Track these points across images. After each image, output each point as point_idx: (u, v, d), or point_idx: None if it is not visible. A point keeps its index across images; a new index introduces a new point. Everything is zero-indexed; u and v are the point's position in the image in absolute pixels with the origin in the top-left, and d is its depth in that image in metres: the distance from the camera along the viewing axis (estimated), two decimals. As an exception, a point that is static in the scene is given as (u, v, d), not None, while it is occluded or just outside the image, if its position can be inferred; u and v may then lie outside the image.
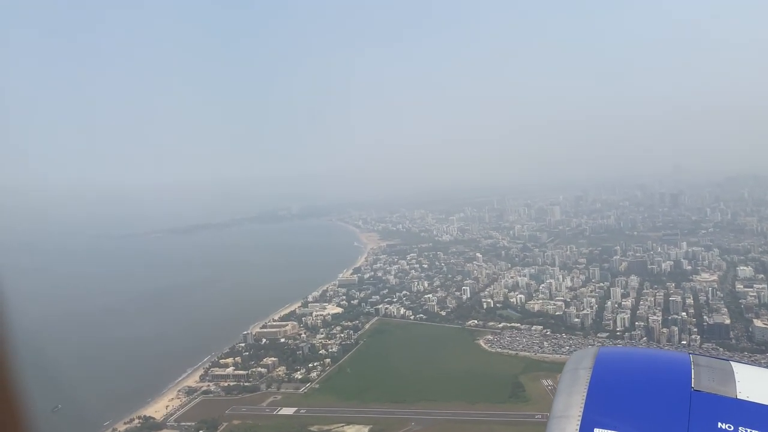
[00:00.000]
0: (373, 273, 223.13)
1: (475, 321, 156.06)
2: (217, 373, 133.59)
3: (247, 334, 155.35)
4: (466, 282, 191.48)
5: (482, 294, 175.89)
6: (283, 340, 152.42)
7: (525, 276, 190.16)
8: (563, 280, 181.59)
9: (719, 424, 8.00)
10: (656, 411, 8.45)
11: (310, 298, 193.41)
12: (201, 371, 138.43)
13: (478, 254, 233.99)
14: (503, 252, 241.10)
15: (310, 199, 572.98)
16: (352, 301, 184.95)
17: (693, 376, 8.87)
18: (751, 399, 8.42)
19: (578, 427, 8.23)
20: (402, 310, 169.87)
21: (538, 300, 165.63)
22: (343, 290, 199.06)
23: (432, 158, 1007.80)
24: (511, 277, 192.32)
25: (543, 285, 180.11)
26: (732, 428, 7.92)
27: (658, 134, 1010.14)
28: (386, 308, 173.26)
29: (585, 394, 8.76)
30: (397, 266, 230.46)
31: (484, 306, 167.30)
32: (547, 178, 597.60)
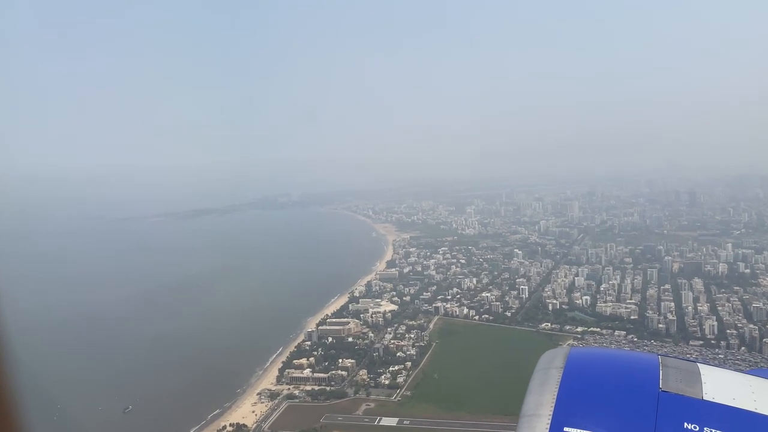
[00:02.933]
0: (411, 267, 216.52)
1: (548, 324, 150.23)
2: (294, 375, 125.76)
3: (312, 332, 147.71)
4: (518, 281, 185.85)
5: (544, 294, 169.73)
6: (350, 339, 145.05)
7: (580, 276, 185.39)
8: (623, 281, 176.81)
9: (685, 424, 8.24)
10: (625, 411, 8.74)
11: (356, 293, 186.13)
12: (273, 372, 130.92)
13: (517, 250, 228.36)
14: (539, 248, 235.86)
15: (306, 186, 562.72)
16: (404, 298, 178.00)
17: (661, 377, 9.20)
18: (716, 400, 8.69)
19: (548, 426, 8.37)
20: (464, 310, 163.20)
21: (607, 302, 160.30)
22: (389, 285, 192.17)
23: (423, 151, 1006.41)
24: (564, 277, 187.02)
25: (603, 286, 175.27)
26: (697, 429, 8.15)
27: (649, 132, 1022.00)
28: (445, 307, 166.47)
29: (556, 393, 8.98)
30: (433, 260, 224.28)
31: (550, 307, 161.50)
32: (545, 173, 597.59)
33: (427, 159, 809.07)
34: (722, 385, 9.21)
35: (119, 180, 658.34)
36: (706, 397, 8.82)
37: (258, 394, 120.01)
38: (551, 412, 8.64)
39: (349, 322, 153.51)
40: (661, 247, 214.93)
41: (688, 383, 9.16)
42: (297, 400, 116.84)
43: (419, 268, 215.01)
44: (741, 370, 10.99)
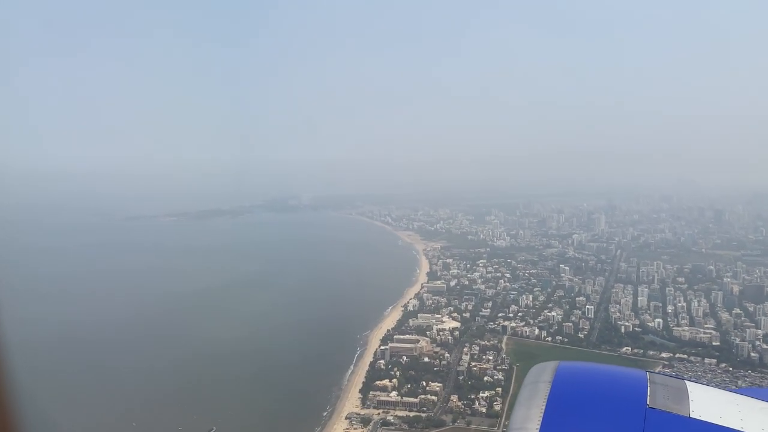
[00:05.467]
0: (457, 280, 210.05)
1: (628, 348, 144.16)
2: (381, 398, 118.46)
3: (385, 349, 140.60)
4: (578, 300, 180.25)
5: (614, 316, 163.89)
6: (426, 359, 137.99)
7: (641, 296, 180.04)
8: (690, 304, 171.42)
9: None
10: (611, 427, 8.77)
11: (409, 306, 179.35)
12: (353, 392, 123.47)
13: (563, 266, 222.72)
14: (582, 264, 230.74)
15: (313, 189, 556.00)
16: (463, 314, 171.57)
17: (648, 394, 9.20)
18: (703, 418, 8.67)
19: None
20: (535, 330, 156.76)
21: (681, 326, 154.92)
22: (442, 299, 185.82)
23: (426, 156, 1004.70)
24: (624, 296, 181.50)
25: (669, 308, 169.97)
26: None
27: (654, 145, 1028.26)
28: (512, 326, 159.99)
29: (543, 407, 8.95)
30: (477, 273, 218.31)
31: (622, 330, 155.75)
32: (551, 182, 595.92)
33: (431, 164, 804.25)
34: (709, 404, 9.13)
35: (123, 177, 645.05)
36: (693, 415, 8.70)
37: (347, 418, 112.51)
38: (538, 426, 8.49)
39: (419, 340, 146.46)
40: (712, 268, 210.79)
41: (676, 400, 9.09)
42: (392, 428, 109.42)
43: (465, 282, 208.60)
44: (728, 389, 10.69)
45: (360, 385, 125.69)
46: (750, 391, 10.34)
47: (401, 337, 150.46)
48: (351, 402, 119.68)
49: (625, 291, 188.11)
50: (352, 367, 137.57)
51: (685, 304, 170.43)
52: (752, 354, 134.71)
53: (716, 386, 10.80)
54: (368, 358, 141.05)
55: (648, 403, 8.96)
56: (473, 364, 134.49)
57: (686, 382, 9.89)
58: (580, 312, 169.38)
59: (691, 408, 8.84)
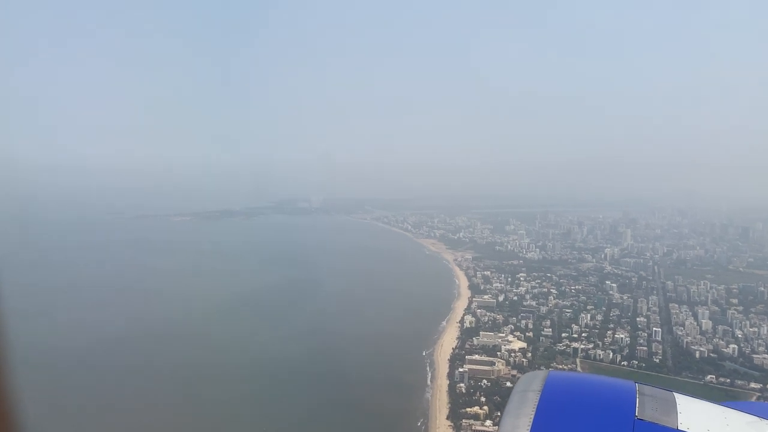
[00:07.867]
0: (504, 295, 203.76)
1: (712, 377, 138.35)
2: (478, 428, 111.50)
3: (464, 372, 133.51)
4: (638, 320, 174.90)
5: (687, 339, 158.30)
6: (508, 384, 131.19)
7: (703, 318, 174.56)
8: (759, 328, 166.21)
9: None
10: None
11: (466, 323, 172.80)
12: (441, 420, 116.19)
13: (609, 282, 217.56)
14: (627, 281, 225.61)
15: (319, 191, 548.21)
16: (526, 333, 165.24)
17: (637, 405, 9.09)
18: (691, 430, 8.62)
19: None
20: (609, 354, 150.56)
21: (762, 354, 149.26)
22: (498, 316, 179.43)
23: (424, 161, 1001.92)
24: (686, 318, 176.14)
25: (737, 332, 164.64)
26: None
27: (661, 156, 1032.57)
28: (582, 348, 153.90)
29: (532, 416, 8.82)
30: (522, 288, 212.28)
31: (696, 355, 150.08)
32: (558, 192, 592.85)
33: (432, 170, 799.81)
34: (697, 416, 9.02)
35: (128, 175, 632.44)
36: (681, 427, 8.67)
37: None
38: None
39: (494, 362, 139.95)
40: (763, 289, 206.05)
41: (664, 412, 9.00)
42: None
43: (513, 297, 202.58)
44: (716, 402, 10.75)
45: (446, 412, 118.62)
46: (738, 405, 10.21)
47: (473, 358, 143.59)
48: (442, 431, 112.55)
49: (684, 312, 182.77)
50: (428, 389, 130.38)
51: (755, 329, 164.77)
52: None
53: (704, 399, 10.30)
54: (442, 379, 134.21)
55: (636, 414, 8.86)
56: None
57: (675, 394, 9.82)
58: (645, 334, 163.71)
59: (680, 420, 8.80)
